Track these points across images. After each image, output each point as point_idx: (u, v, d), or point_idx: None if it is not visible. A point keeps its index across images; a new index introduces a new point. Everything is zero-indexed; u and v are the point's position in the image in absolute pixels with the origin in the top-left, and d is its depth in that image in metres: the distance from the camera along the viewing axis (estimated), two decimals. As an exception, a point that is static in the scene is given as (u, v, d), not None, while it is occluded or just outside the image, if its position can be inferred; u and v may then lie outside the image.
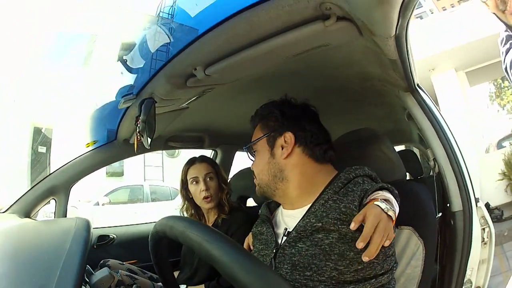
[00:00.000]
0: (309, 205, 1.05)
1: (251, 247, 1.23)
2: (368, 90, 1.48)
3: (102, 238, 2.11)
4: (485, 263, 1.38)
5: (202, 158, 1.82)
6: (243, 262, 0.54)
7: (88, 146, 1.91)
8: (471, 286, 1.34)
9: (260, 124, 1.17)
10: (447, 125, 1.38)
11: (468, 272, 1.28)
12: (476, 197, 1.34)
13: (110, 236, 2.14)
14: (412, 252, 1.14)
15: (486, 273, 1.39)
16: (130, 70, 1.30)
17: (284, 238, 1.05)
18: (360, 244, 0.80)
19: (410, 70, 1.12)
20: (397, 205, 0.93)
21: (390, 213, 0.86)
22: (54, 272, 0.54)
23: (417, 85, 1.29)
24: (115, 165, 12.79)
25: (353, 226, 0.85)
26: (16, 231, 0.81)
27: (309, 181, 1.10)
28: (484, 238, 1.36)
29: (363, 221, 0.84)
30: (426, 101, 1.32)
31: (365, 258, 0.81)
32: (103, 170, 11.53)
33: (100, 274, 0.88)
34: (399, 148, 3.24)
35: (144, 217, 8.35)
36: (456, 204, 1.28)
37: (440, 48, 5.45)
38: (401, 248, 1.15)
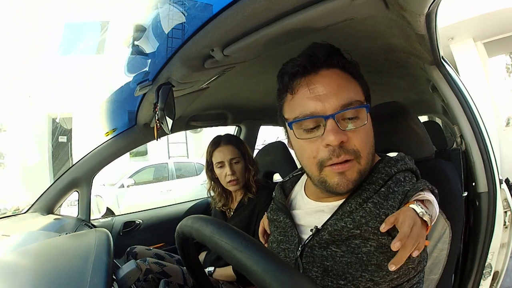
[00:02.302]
0: (342, 200, 0.91)
1: (268, 231, 1.12)
2: (392, 62, 1.43)
3: (128, 224, 2.15)
4: (504, 247, 1.37)
5: (228, 140, 1.78)
6: (277, 273, 0.51)
7: (108, 135, 1.91)
8: (490, 270, 1.32)
9: (358, 82, 0.90)
10: (472, 101, 1.34)
11: (489, 256, 1.26)
12: (500, 178, 1.32)
13: (136, 221, 2.18)
14: (439, 235, 1.11)
15: (505, 257, 1.38)
16: (144, 56, 1.27)
17: (312, 236, 0.91)
18: (396, 245, 0.69)
19: (437, 44, 1.07)
20: (436, 207, 0.83)
21: (426, 218, 0.77)
22: None
23: (442, 58, 1.24)
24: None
25: (383, 227, 0.76)
26: (37, 250, 0.81)
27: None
28: (505, 222, 1.33)
29: (394, 222, 0.76)
30: (452, 75, 1.28)
31: (391, 267, 0.71)
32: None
33: (127, 267, 0.87)
34: (422, 119, 3.20)
35: (170, 195, 8.68)
36: (482, 185, 1.25)
37: (458, 17, 5.27)
38: (429, 230, 1.11)
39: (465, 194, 1.38)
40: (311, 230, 0.91)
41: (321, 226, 0.90)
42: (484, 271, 1.26)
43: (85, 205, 1.96)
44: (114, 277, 0.89)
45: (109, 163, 1.97)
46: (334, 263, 0.85)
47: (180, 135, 13.13)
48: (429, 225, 0.77)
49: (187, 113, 2.04)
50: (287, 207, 1.03)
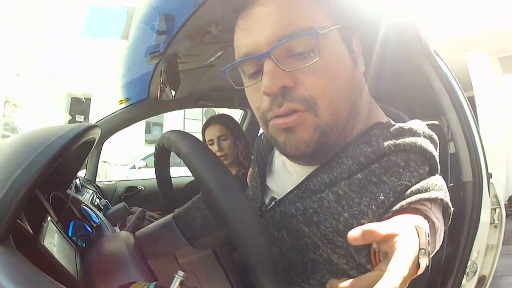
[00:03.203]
0: (312, 168, 0.67)
1: None
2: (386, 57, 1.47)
3: (130, 189, 2.28)
4: (493, 250, 1.29)
5: (217, 119, 1.92)
6: (204, 159, 0.54)
7: (121, 103, 2.05)
8: (476, 271, 1.24)
9: None
10: (462, 94, 1.36)
11: (474, 253, 1.20)
12: (489, 172, 1.27)
13: (138, 187, 2.31)
14: None
15: (493, 261, 1.29)
16: (156, 32, 1.40)
17: (267, 208, 0.74)
18: None
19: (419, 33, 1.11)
20: (440, 239, 0.56)
21: (422, 261, 0.43)
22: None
23: (435, 51, 1.28)
24: (155, 132, 13.10)
25: (353, 236, 0.41)
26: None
27: (359, 126, 0.67)
28: (494, 220, 1.27)
29: (380, 239, 0.42)
30: (442, 67, 1.30)
31: None
32: (142, 138, 11.86)
33: (115, 207, 0.95)
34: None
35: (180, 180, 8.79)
36: (467, 174, 1.22)
37: (474, 29, 5.10)
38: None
39: (451, 184, 1.36)
40: (271, 199, 0.74)
41: (280, 199, 0.71)
42: (467, 270, 1.20)
43: (93, 167, 2.12)
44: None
45: (120, 130, 2.10)
46: (280, 252, 0.66)
47: (196, 112, 12.88)
48: (419, 273, 0.44)
49: (196, 92, 2.15)
50: (265, 158, 0.83)
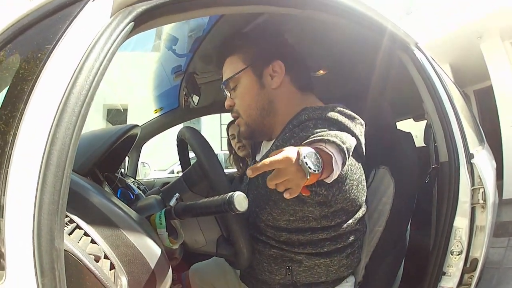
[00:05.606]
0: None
1: None
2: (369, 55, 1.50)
3: (165, 185, 2.63)
4: (482, 231, 1.32)
5: None
6: (197, 142, 0.99)
7: (156, 112, 2.41)
8: (461, 250, 1.26)
9: (237, 54, 1.10)
10: (440, 82, 1.44)
11: (457, 232, 1.26)
12: (471, 152, 1.35)
13: (173, 183, 2.66)
14: (384, 189, 1.23)
15: (483, 243, 1.31)
16: (178, 55, 1.75)
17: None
18: (248, 171, 0.68)
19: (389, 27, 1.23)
20: (337, 167, 0.76)
21: (304, 167, 0.68)
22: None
23: (416, 44, 1.42)
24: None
25: (258, 165, 0.68)
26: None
27: (292, 113, 1.05)
28: (479, 200, 1.31)
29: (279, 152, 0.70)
30: (421, 59, 1.40)
31: (270, 183, 0.70)
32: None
33: (151, 191, 1.31)
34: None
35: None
36: (443, 154, 1.32)
37: (484, 13, 4.84)
38: (376, 185, 1.25)
39: (434, 166, 1.45)
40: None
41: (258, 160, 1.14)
42: (451, 248, 1.26)
43: (133, 167, 2.50)
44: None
45: (156, 135, 2.46)
46: (257, 192, 1.02)
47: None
48: (308, 177, 0.69)
49: (220, 99, 2.35)
50: (258, 144, 1.25)
